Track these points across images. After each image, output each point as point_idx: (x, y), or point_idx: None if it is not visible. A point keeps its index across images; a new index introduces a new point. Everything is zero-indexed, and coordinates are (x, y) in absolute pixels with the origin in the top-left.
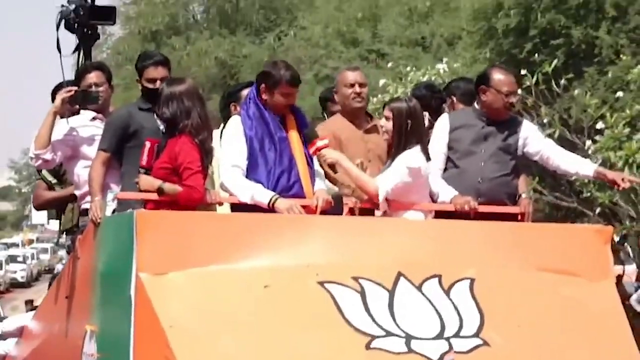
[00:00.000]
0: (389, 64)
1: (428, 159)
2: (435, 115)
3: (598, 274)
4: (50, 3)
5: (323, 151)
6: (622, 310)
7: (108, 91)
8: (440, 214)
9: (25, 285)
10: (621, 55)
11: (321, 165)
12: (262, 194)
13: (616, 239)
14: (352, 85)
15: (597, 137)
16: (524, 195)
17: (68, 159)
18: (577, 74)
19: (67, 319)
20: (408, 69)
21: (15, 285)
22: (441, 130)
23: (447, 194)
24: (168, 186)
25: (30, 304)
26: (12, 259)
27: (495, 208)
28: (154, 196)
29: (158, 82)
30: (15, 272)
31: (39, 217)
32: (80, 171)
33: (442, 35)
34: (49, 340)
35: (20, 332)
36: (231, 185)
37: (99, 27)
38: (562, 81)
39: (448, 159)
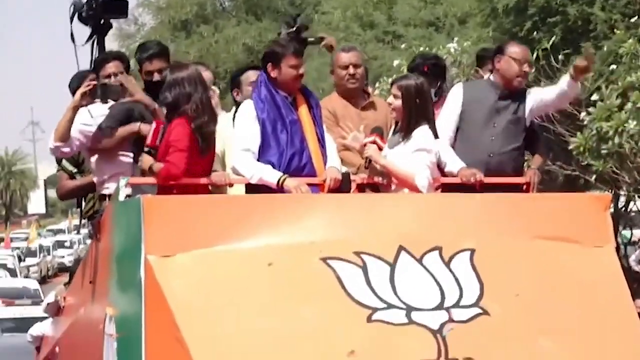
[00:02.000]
0: (403, 45)
1: (436, 136)
2: (433, 81)
3: (598, 240)
4: None
5: (369, 145)
6: (622, 276)
7: None
8: (446, 186)
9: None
10: (615, 30)
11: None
12: (270, 175)
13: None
14: (347, 67)
15: (591, 109)
16: (532, 167)
17: (86, 149)
18: (575, 49)
19: (91, 301)
20: (421, 49)
21: (62, 269)
22: (455, 100)
23: (454, 164)
24: (156, 165)
25: (69, 285)
26: (59, 244)
27: (501, 179)
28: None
29: (155, 75)
30: (62, 257)
31: None
32: (98, 160)
33: (455, 15)
34: (76, 322)
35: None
36: (241, 168)
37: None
38: (560, 56)
39: (458, 129)
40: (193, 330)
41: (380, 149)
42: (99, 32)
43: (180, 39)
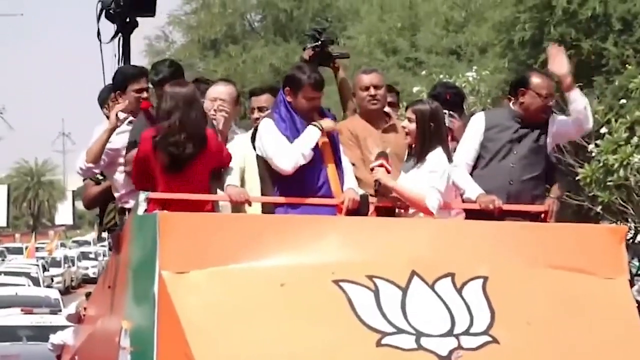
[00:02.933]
0: (423, 72)
1: (450, 159)
2: (453, 109)
3: (612, 272)
4: None
5: (376, 169)
6: (635, 308)
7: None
8: (465, 212)
9: (97, 280)
10: (627, 65)
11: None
12: (311, 135)
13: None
14: (367, 88)
15: (599, 142)
16: (551, 196)
17: (106, 166)
18: (587, 82)
19: (108, 313)
20: (441, 76)
21: (87, 281)
22: (476, 128)
23: (473, 192)
24: None
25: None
26: (84, 255)
27: (519, 207)
28: (181, 197)
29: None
30: (87, 268)
31: None
32: (118, 176)
33: (476, 44)
34: (94, 333)
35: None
36: (290, 158)
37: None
38: None
39: (479, 157)
40: (203, 348)
41: (388, 171)
42: (125, 30)
43: (209, 58)
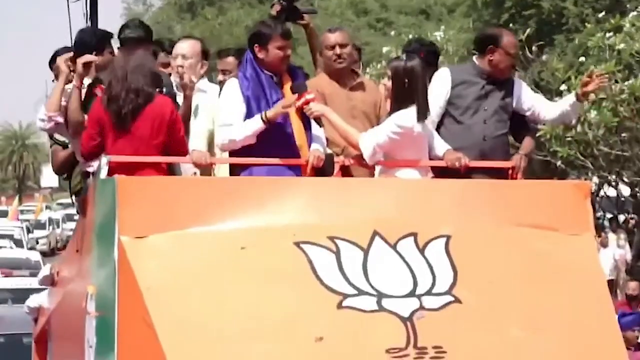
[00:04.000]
0: (393, 32)
1: (424, 118)
2: (426, 67)
3: (577, 228)
4: None
5: (310, 104)
6: (600, 265)
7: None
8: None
9: None
10: (586, 24)
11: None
12: (252, 123)
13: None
14: (333, 47)
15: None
16: (520, 152)
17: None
18: (548, 41)
19: (77, 278)
20: (410, 36)
21: None
22: (442, 84)
23: (440, 148)
24: None
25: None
26: (69, 217)
27: (486, 163)
28: (145, 159)
29: None
30: (71, 230)
31: None
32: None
33: (444, 4)
34: (64, 298)
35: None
36: (225, 139)
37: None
38: (534, 48)
39: (447, 114)
40: (162, 313)
41: (313, 100)
42: None
43: (186, 21)
